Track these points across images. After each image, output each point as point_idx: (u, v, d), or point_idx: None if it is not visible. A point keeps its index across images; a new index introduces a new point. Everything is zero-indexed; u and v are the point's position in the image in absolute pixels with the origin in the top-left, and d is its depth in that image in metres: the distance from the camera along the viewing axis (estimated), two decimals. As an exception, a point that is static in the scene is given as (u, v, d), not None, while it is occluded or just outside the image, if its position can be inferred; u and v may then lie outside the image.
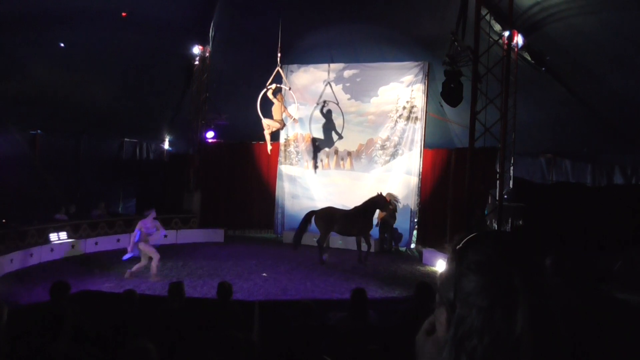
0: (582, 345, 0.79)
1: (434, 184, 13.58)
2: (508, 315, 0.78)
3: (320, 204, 14.64)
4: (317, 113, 14.99)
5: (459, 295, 0.85)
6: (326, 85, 14.80)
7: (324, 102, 14.86)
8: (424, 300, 3.97)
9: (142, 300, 5.24)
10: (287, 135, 15.27)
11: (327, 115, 14.93)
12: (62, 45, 11.31)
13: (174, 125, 16.24)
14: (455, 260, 0.89)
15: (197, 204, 14.86)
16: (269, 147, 13.22)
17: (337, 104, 14.61)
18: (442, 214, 13.06)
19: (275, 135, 14.15)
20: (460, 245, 0.89)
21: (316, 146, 14.99)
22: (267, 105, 12.59)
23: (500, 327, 0.78)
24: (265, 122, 12.22)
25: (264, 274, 10.04)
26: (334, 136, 14.86)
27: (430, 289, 3.99)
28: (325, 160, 14.93)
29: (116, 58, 12.48)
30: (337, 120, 14.79)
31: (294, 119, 13.65)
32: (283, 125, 12.61)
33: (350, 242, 13.43)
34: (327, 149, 14.91)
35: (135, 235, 9.21)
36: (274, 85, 12.01)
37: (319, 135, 15.04)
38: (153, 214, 9.26)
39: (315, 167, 15.02)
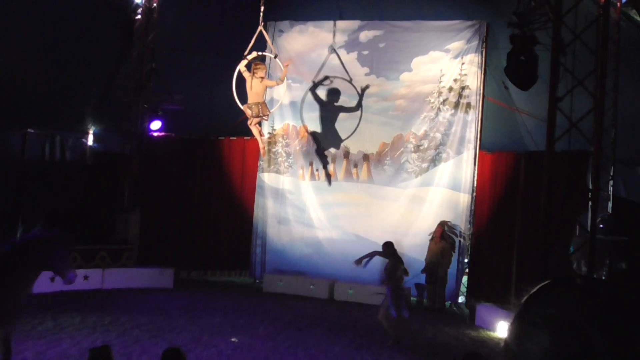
0: None
1: (493, 205, 13.68)
2: None
3: (322, 233, 14.72)
4: (315, 95, 15.18)
5: None
6: (331, 52, 14.98)
7: (325, 78, 15.04)
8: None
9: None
10: (272, 127, 15.43)
11: (330, 98, 15.10)
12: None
13: (103, 110, 16.29)
14: (519, 315, 0.94)
15: (135, 230, 14.92)
16: (261, 147, 12.90)
17: (350, 81, 14.77)
18: (505, 252, 13.12)
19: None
20: (529, 294, 0.95)
21: (317, 145, 15.14)
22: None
23: None
24: (246, 110, 12.00)
25: (234, 339, 10.07)
26: (342, 131, 15.03)
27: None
28: (330, 167, 15.08)
29: (19, 9, 12.57)
30: (349, 107, 14.92)
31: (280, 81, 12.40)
32: (260, 112, 11.89)
33: (364, 294, 13.44)
34: (332, 150, 15.09)
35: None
36: (253, 54, 11.92)
37: (318, 127, 15.24)
38: None
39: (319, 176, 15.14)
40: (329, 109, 15.10)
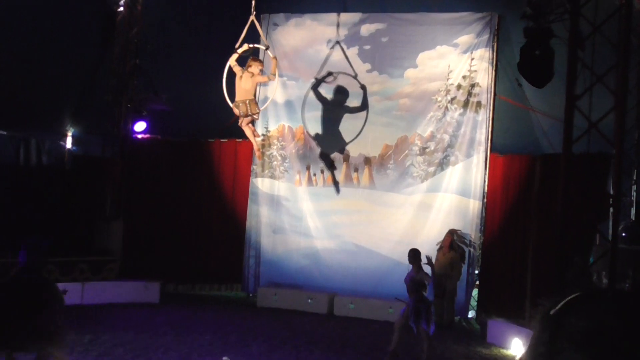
0: None
1: (506, 212, 13.64)
2: None
3: (320, 242, 14.64)
4: (317, 94, 15.10)
5: None
6: (333, 47, 14.92)
7: (329, 74, 14.98)
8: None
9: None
10: (266, 128, 15.39)
11: (335, 98, 15.03)
12: None
13: (82, 110, 16.26)
14: (549, 330, 0.90)
15: (118, 240, 14.85)
16: (256, 148, 12.74)
17: (355, 77, 14.71)
18: (519, 262, 13.07)
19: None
20: (558, 308, 0.92)
21: (320, 147, 15.09)
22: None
23: None
24: (234, 108, 11.91)
25: (225, 358, 10.02)
26: (344, 133, 14.96)
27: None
28: (329, 172, 15.02)
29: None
30: (355, 107, 14.83)
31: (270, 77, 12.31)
32: (249, 111, 11.68)
33: (368, 309, 13.39)
34: (334, 154, 15.03)
35: None
36: (244, 47, 11.86)
37: (319, 129, 15.17)
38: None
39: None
40: (333, 109, 14.99)
